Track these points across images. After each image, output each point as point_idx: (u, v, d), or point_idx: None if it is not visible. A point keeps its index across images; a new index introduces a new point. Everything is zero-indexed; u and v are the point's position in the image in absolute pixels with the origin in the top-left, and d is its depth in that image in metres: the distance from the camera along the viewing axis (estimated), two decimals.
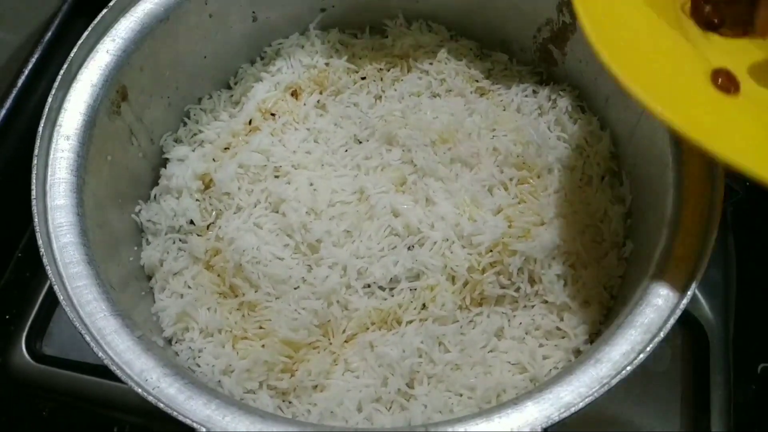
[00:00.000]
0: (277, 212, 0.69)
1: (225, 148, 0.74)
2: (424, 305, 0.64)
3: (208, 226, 0.70)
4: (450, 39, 0.82)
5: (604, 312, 0.65)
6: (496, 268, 0.64)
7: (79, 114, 0.63)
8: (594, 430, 0.69)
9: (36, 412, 0.78)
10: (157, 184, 0.74)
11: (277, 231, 0.68)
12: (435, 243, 0.65)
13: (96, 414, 0.77)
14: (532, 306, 0.64)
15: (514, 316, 0.65)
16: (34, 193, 0.59)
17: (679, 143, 0.59)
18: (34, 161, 0.60)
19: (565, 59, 0.76)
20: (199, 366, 0.64)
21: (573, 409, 0.49)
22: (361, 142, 0.74)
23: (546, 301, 0.64)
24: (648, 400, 0.66)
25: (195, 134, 0.77)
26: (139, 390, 0.51)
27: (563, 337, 0.64)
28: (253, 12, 0.77)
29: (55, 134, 0.62)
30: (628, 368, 0.50)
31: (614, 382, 0.50)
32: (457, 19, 0.81)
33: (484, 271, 0.64)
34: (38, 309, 0.83)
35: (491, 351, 0.63)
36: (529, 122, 0.73)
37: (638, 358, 0.50)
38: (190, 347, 0.65)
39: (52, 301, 0.83)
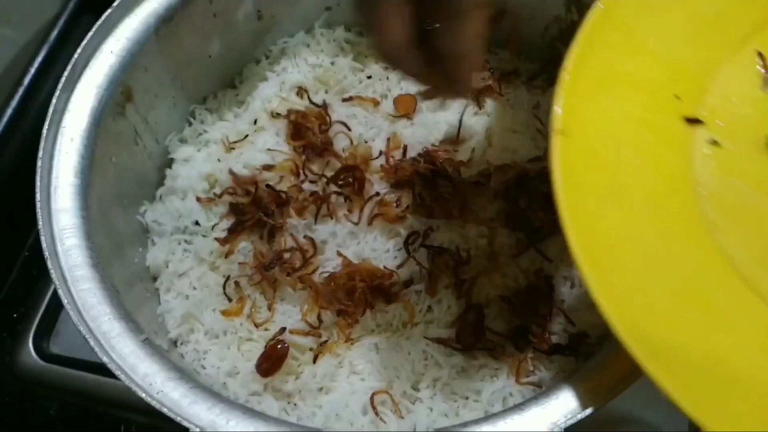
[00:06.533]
0: None
1: (230, 149, 0.74)
2: (429, 307, 0.64)
3: (213, 227, 0.70)
4: None
5: None
6: (503, 270, 0.64)
7: (84, 115, 0.63)
8: (604, 428, 0.68)
9: (43, 410, 0.78)
10: (163, 184, 0.74)
11: (283, 232, 0.68)
12: (441, 245, 0.65)
13: (103, 413, 0.77)
14: None
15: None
16: (38, 196, 0.59)
17: None
18: (38, 163, 0.60)
19: None
20: (204, 368, 0.64)
21: (580, 416, 0.49)
22: (366, 142, 0.73)
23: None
24: (659, 398, 0.65)
25: (200, 134, 0.76)
26: (143, 394, 0.50)
27: None
28: (258, 11, 0.77)
29: (59, 136, 0.62)
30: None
31: (622, 388, 0.49)
32: None
33: (490, 273, 0.64)
34: (45, 308, 0.83)
35: None
36: (537, 121, 0.72)
37: None
38: (195, 349, 0.65)
39: (59, 301, 0.82)
